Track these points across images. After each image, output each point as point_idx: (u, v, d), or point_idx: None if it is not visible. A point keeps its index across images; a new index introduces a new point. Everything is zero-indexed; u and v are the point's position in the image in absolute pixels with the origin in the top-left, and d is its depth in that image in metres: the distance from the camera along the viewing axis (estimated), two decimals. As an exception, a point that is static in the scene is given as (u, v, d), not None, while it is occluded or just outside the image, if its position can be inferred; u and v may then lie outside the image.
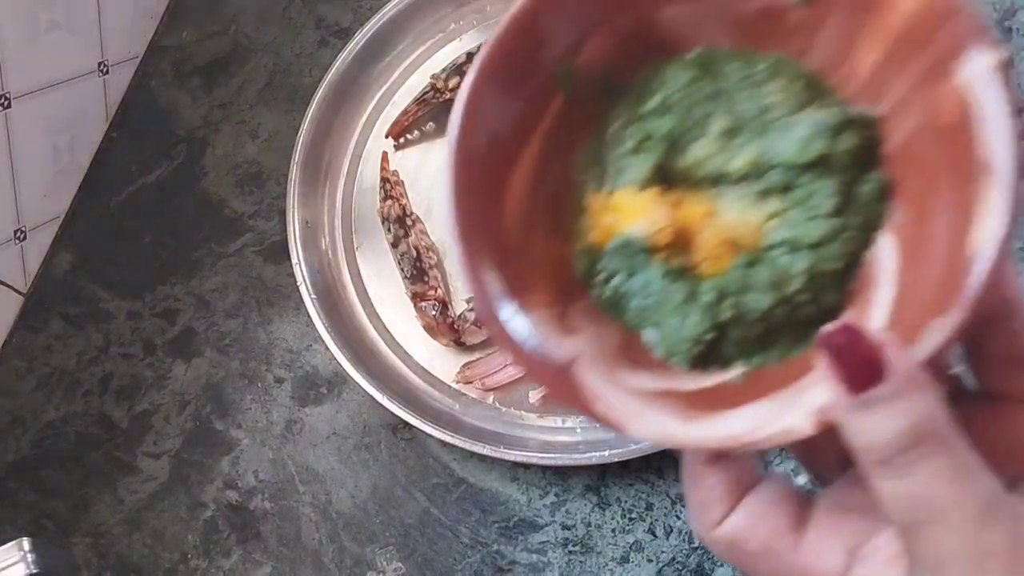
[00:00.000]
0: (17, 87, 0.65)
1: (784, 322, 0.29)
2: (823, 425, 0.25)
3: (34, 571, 0.49)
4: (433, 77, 0.67)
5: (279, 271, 0.67)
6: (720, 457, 0.28)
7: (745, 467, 0.29)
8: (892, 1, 0.28)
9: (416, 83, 0.70)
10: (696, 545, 0.56)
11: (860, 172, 0.29)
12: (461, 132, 0.29)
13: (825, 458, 0.30)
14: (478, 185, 0.29)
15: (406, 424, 0.59)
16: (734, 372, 0.29)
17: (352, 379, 0.60)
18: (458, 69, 0.67)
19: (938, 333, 0.24)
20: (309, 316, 0.62)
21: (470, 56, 0.67)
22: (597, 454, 0.55)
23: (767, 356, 0.29)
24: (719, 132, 0.30)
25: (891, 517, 0.24)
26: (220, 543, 0.61)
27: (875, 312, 0.27)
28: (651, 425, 0.27)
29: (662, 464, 0.58)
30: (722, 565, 0.55)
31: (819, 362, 0.24)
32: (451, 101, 0.67)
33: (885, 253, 0.28)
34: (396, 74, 0.71)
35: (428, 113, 0.69)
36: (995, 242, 0.24)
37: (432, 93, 0.67)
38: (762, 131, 0.30)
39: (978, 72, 0.25)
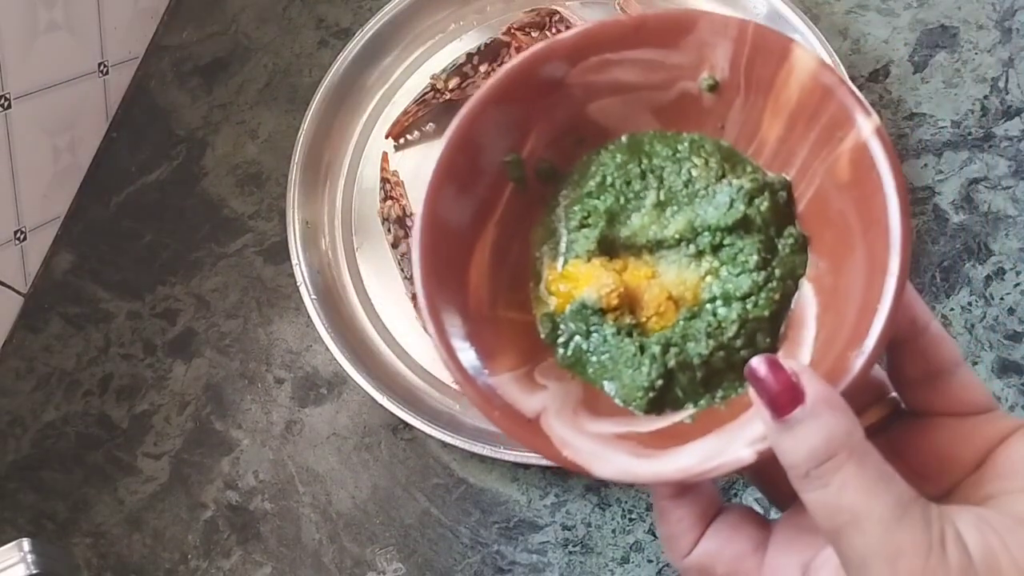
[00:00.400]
0: (17, 88, 0.65)
1: (725, 366, 0.32)
2: (762, 453, 0.28)
3: (34, 572, 0.49)
4: (433, 77, 0.67)
5: (279, 271, 0.67)
6: (684, 492, 0.31)
7: (708, 499, 0.32)
8: (783, 83, 0.33)
9: (416, 83, 0.70)
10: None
11: (779, 229, 0.33)
12: (424, 229, 0.33)
13: (781, 485, 0.32)
14: (444, 270, 0.33)
15: (406, 424, 0.59)
16: (685, 414, 0.32)
17: (352, 379, 0.60)
18: (458, 69, 0.67)
19: (857, 361, 0.28)
20: (309, 316, 0.62)
21: (470, 56, 0.67)
22: (597, 454, 0.55)
23: (713, 398, 0.32)
24: (652, 204, 0.35)
25: (819, 526, 0.27)
26: (220, 544, 0.61)
27: (803, 350, 0.31)
28: (613, 464, 0.30)
29: (662, 464, 0.57)
30: (722, 565, 0.55)
31: (750, 391, 0.28)
32: (451, 101, 0.68)
33: (807, 299, 0.32)
34: (396, 74, 0.71)
35: (428, 114, 0.69)
36: (895, 276, 0.28)
37: (432, 93, 0.67)
38: (690, 200, 0.35)
39: (863, 136, 0.30)
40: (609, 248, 0.35)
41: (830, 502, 0.26)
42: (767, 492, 0.34)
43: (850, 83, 0.31)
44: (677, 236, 0.34)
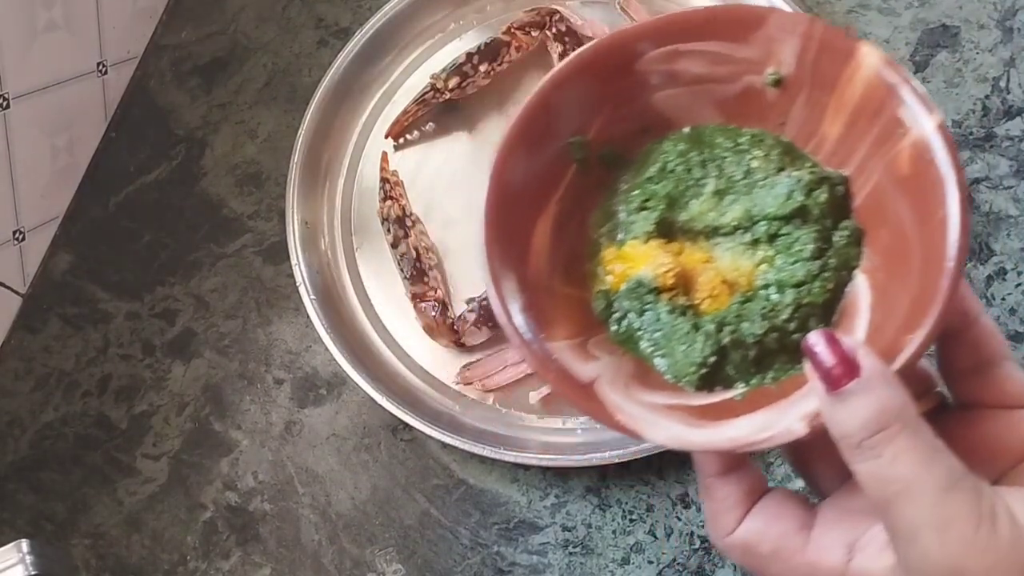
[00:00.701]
0: (16, 87, 0.65)
1: (777, 347, 0.33)
2: (815, 427, 0.29)
3: (33, 573, 0.49)
4: (433, 77, 0.67)
5: (278, 272, 0.67)
6: (730, 469, 0.32)
7: (754, 478, 0.32)
8: (847, 80, 0.34)
9: (416, 83, 0.70)
10: (697, 547, 0.56)
11: (835, 222, 0.34)
12: (492, 192, 0.34)
13: (823, 471, 0.33)
14: (506, 238, 0.34)
15: (406, 425, 0.59)
16: (736, 391, 0.33)
17: (352, 380, 0.60)
18: (458, 69, 0.67)
19: (911, 345, 0.29)
20: (308, 317, 0.62)
21: (470, 56, 0.67)
22: (597, 455, 0.55)
23: (764, 377, 0.33)
24: (712, 192, 0.36)
25: (869, 496, 0.27)
26: (219, 545, 0.61)
27: (856, 336, 0.32)
28: (666, 431, 0.31)
29: (662, 465, 0.57)
30: (723, 567, 0.55)
31: (805, 366, 0.28)
32: (451, 101, 0.68)
33: (861, 290, 0.33)
34: (396, 74, 0.71)
35: (428, 113, 0.68)
36: (952, 266, 0.29)
37: (432, 93, 0.67)
38: (748, 190, 0.36)
39: (926, 133, 0.31)
40: (667, 231, 0.36)
41: (882, 473, 0.27)
42: (808, 478, 0.35)
43: (914, 80, 0.32)
44: (734, 224, 0.35)
